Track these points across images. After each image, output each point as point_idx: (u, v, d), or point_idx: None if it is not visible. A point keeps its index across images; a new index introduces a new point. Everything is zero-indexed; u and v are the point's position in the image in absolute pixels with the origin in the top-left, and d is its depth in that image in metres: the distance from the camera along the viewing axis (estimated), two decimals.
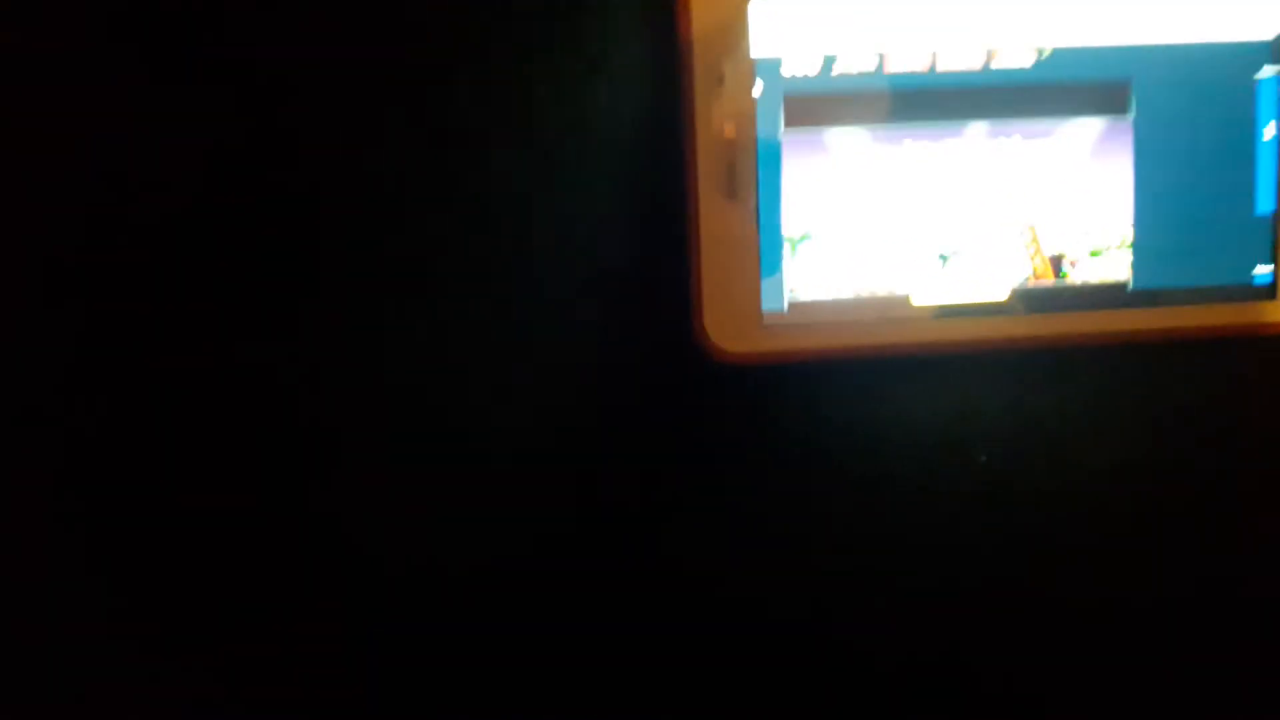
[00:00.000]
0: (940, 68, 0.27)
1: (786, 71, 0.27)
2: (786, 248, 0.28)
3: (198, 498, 0.28)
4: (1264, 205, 0.28)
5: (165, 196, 0.28)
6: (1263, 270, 0.28)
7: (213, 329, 0.28)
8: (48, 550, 0.29)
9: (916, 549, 0.29)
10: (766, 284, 0.28)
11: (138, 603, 0.29)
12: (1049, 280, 0.28)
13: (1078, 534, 0.30)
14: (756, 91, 0.27)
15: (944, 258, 0.28)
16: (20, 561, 0.29)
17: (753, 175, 0.28)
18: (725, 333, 0.28)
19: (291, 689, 0.29)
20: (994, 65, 0.27)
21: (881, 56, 0.27)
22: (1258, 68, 0.28)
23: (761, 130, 0.27)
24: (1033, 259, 0.28)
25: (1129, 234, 0.28)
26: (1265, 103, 0.28)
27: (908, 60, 0.27)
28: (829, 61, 0.27)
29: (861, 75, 0.27)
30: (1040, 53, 0.27)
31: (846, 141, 0.28)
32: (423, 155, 0.28)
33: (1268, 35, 0.28)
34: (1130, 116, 0.28)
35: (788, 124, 0.27)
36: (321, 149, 0.28)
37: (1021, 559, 0.30)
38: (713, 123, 0.27)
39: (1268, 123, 0.28)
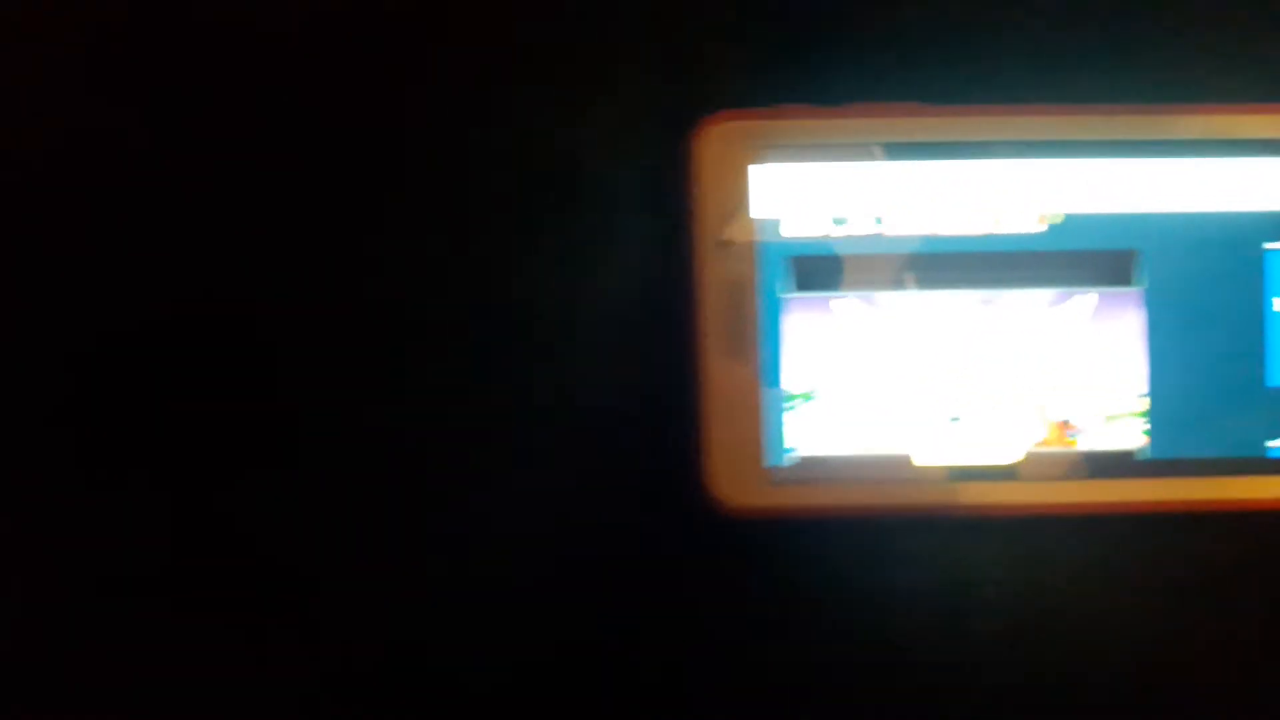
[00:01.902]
0: (946, 233, 0.28)
1: (789, 234, 0.28)
2: (792, 406, 0.28)
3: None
4: (1275, 378, 0.28)
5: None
6: (1276, 444, 0.28)
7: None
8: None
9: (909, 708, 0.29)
10: (771, 441, 0.28)
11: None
12: (1058, 446, 0.28)
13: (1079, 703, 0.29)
14: (759, 254, 0.27)
15: (952, 419, 0.28)
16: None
17: (756, 334, 0.28)
18: (729, 487, 0.28)
19: None
20: (1000, 231, 0.28)
21: (884, 220, 0.28)
22: (1269, 237, 0.28)
23: (766, 291, 0.28)
24: (1042, 425, 0.28)
25: (1140, 402, 0.28)
26: (1274, 274, 0.28)
27: (911, 224, 0.28)
28: (832, 225, 0.28)
29: (865, 238, 0.28)
30: (1047, 220, 0.28)
31: (850, 303, 0.28)
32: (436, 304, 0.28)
33: (1278, 206, 0.28)
34: (1139, 286, 0.28)
35: (791, 285, 0.28)
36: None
37: None
38: (718, 283, 0.28)
39: (1278, 294, 0.28)
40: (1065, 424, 0.28)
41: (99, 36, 0.29)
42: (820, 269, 0.28)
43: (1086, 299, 0.28)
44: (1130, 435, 0.28)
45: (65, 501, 0.29)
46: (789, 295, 0.28)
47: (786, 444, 0.28)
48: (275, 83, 0.28)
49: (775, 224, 0.28)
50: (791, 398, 0.28)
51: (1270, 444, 0.28)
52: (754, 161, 0.28)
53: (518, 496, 0.29)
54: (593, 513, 0.29)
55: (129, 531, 0.29)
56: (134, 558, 0.29)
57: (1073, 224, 0.28)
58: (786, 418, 0.28)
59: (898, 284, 0.28)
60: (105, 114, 0.29)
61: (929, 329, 0.28)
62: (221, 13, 0.28)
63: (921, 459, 0.28)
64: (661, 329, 0.28)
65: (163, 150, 0.29)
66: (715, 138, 0.28)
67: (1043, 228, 0.28)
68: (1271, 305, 0.28)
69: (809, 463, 0.28)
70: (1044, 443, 0.28)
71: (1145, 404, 0.28)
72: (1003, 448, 0.28)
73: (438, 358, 0.29)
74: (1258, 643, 0.29)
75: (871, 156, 0.28)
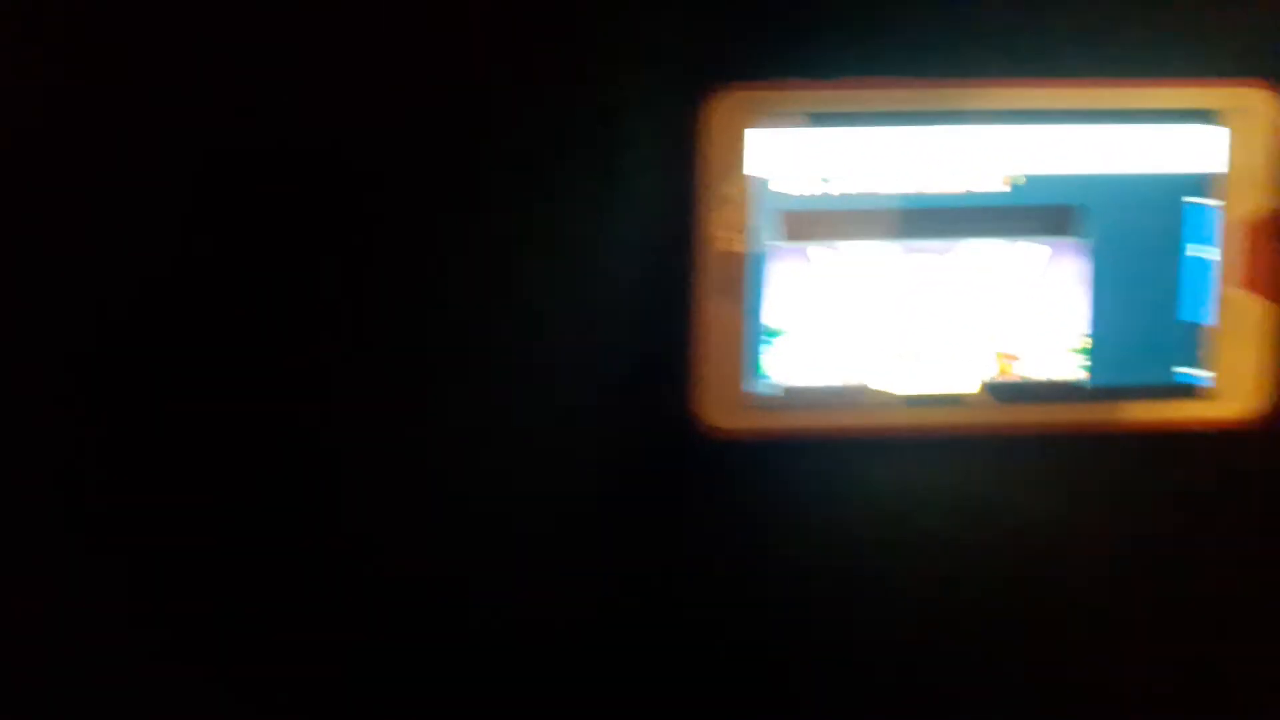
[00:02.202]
0: (916, 191, 0.32)
1: (783, 190, 0.31)
2: (776, 341, 0.32)
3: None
4: (1201, 315, 0.32)
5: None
6: (1200, 372, 0.32)
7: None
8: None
9: (875, 614, 0.33)
10: (756, 371, 0.32)
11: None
12: (1008, 376, 0.32)
13: (1018, 599, 0.33)
14: (756, 207, 0.31)
15: (915, 353, 0.32)
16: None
17: (746, 279, 0.32)
18: (717, 411, 0.32)
19: None
20: (963, 190, 0.32)
21: (864, 180, 0.32)
22: (1197, 195, 0.32)
23: (759, 241, 0.32)
24: (993, 358, 0.32)
25: (1078, 338, 0.32)
26: (1201, 227, 0.32)
27: (887, 183, 0.32)
28: (820, 184, 0.31)
29: (846, 196, 0.32)
30: (1004, 180, 0.32)
31: (833, 251, 0.32)
32: (463, 256, 0.32)
33: (1206, 168, 0.32)
34: (1080, 237, 0.32)
35: (782, 236, 0.32)
36: (358, 242, 0.32)
37: (975, 625, 0.33)
38: (716, 232, 0.31)
39: (1202, 244, 0.32)
40: (1011, 356, 0.32)
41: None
42: (804, 222, 0.32)
43: (1034, 247, 0.32)
44: (1070, 365, 0.32)
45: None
46: (779, 244, 0.32)
47: (767, 374, 0.32)
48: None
49: (771, 182, 0.31)
50: (773, 334, 0.32)
51: (1196, 371, 0.32)
52: (755, 126, 0.31)
53: (537, 416, 0.33)
54: (599, 432, 0.33)
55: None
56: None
57: (1026, 183, 0.32)
58: (769, 352, 0.32)
59: (875, 235, 0.32)
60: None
61: (900, 274, 0.32)
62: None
63: (890, 388, 0.32)
64: (666, 274, 0.32)
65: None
66: (723, 105, 0.31)
67: (1000, 186, 0.32)
68: (1200, 252, 0.32)
69: (789, 391, 0.32)
70: (998, 373, 0.32)
71: (1083, 339, 0.32)
72: (960, 377, 0.32)
73: (470, 280, 0.32)
74: (1172, 540, 0.33)
75: (855, 123, 0.31)
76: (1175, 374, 0.32)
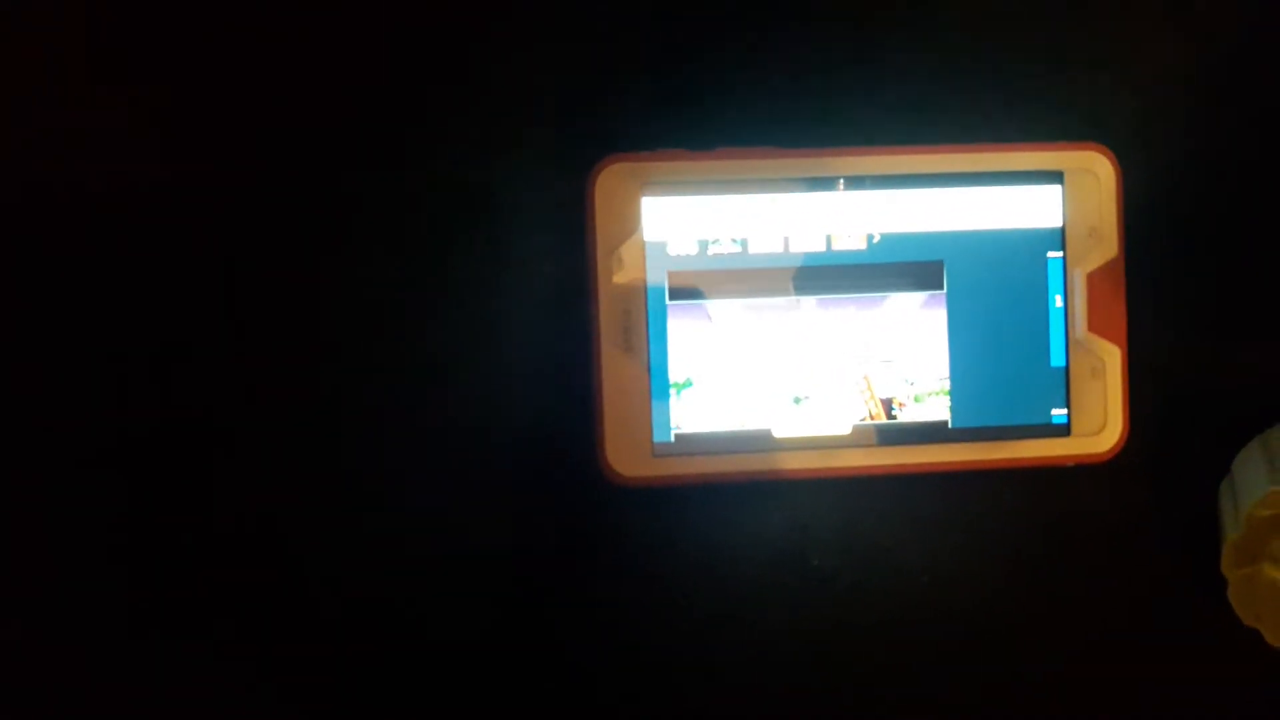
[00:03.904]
0: (793, 249, 0.34)
1: (671, 252, 0.34)
2: (672, 392, 0.34)
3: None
4: (1057, 359, 0.35)
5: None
6: (1058, 412, 0.35)
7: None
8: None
9: (761, 639, 0.36)
10: (656, 421, 0.34)
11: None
12: (882, 419, 0.35)
13: (902, 626, 0.36)
14: (647, 268, 0.34)
15: (798, 400, 0.35)
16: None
17: (644, 333, 0.34)
18: (623, 461, 0.34)
19: None
20: (835, 248, 0.34)
21: (746, 241, 0.34)
22: (1048, 249, 0.35)
23: (651, 298, 0.34)
24: (868, 402, 0.35)
25: (948, 382, 0.35)
26: (1053, 277, 0.35)
27: (766, 244, 0.34)
28: (704, 245, 0.34)
29: (730, 255, 0.34)
30: (871, 238, 0.34)
31: (719, 307, 0.34)
32: (373, 311, 0.35)
33: (1055, 224, 0.35)
34: (945, 290, 0.35)
35: (671, 295, 0.34)
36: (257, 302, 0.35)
37: (851, 647, 0.36)
38: (612, 293, 0.34)
39: (1055, 293, 0.35)
40: (888, 401, 0.35)
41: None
42: (694, 280, 0.34)
43: (904, 300, 0.35)
44: (940, 409, 0.35)
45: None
46: (670, 302, 0.34)
47: (669, 423, 0.34)
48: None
49: (660, 245, 0.34)
50: (670, 386, 0.34)
51: (1055, 411, 0.35)
52: (642, 194, 0.34)
53: (450, 472, 0.35)
54: (510, 484, 0.35)
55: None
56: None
57: (891, 241, 0.35)
58: (668, 402, 0.34)
59: (757, 292, 0.34)
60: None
61: (781, 328, 0.34)
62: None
63: (777, 432, 0.35)
64: (566, 331, 0.34)
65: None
66: (610, 175, 0.34)
67: (868, 245, 0.35)
68: (1054, 301, 0.35)
69: (686, 439, 0.34)
70: (872, 416, 0.35)
71: (951, 384, 0.35)
72: (839, 421, 0.35)
73: (386, 345, 0.35)
74: (1045, 576, 0.36)
75: (734, 190, 0.34)
76: (1048, 414, 0.35)
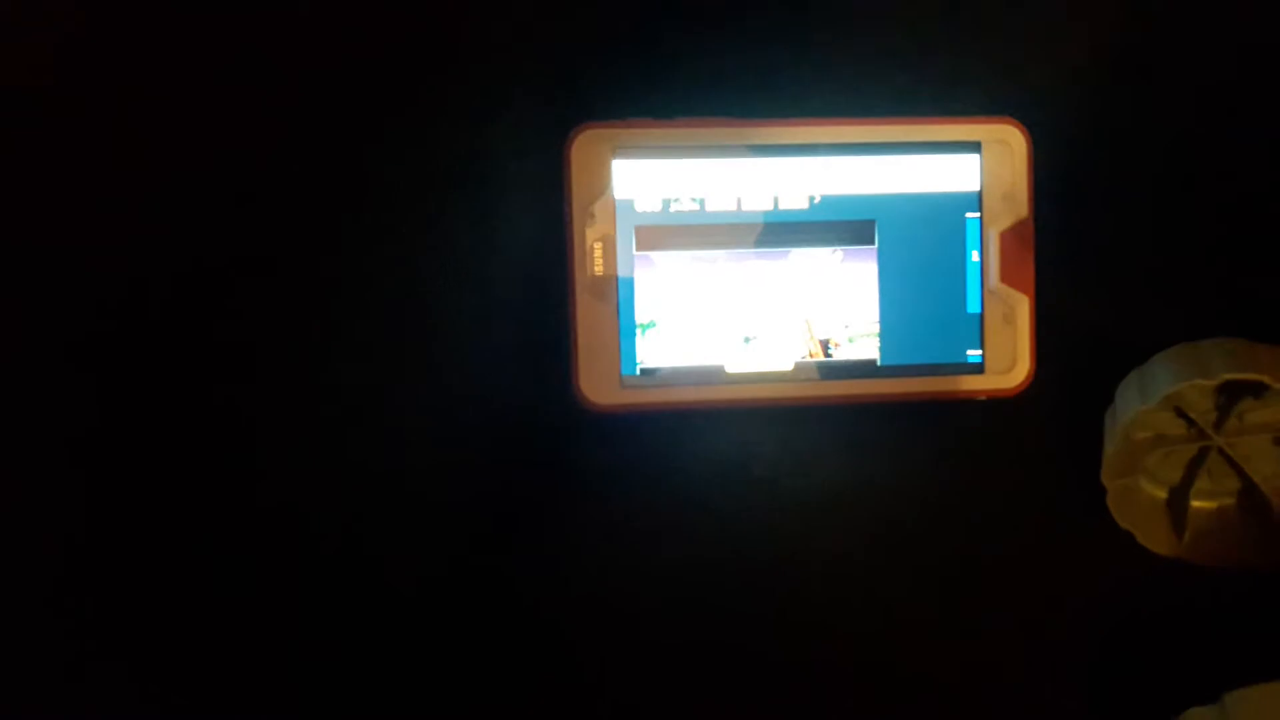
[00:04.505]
0: (745, 208, 0.39)
1: (639, 209, 0.39)
2: (638, 332, 0.39)
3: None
4: (973, 306, 0.40)
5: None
6: (974, 352, 0.40)
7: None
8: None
9: (709, 537, 0.41)
10: (624, 357, 0.39)
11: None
12: (820, 357, 0.40)
13: (830, 531, 0.41)
14: (617, 223, 0.39)
15: (747, 339, 0.40)
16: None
17: (614, 280, 0.39)
18: (594, 390, 0.39)
19: None
20: (781, 207, 0.39)
21: (704, 200, 0.39)
22: (966, 210, 0.40)
23: (621, 249, 0.39)
24: (808, 342, 0.40)
25: (877, 326, 0.40)
26: (971, 235, 0.40)
27: (722, 202, 0.39)
28: (667, 203, 0.39)
29: (690, 213, 0.39)
30: (812, 199, 0.39)
31: (679, 258, 0.39)
32: (383, 255, 0.40)
33: (973, 189, 0.40)
34: (876, 245, 0.40)
35: (638, 246, 0.39)
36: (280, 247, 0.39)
37: (784, 546, 0.41)
38: (587, 245, 0.39)
39: (972, 249, 0.40)
40: (826, 341, 0.40)
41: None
42: (658, 235, 0.39)
43: (840, 254, 0.40)
44: (870, 348, 0.40)
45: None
46: (636, 253, 0.39)
47: (635, 358, 0.39)
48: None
49: (628, 202, 0.39)
50: (636, 326, 0.39)
51: (971, 352, 0.40)
52: (613, 157, 0.39)
53: (447, 399, 0.40)
54: (495, 412, 0.40)
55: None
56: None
57: (830, 202, 0.40)
58: (634, 340, 0.39)
59: (713, 245, 0.39)
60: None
61: (733, 276, 0.39)
62: None
63: (728, 368, 0.40)
64: (547, 278, 0.39)
65: None
66: (585, 140, 0.39)
67: (809, 205, 0.40)
68: (971, 256, 0.40)
69: (650, 372, 0.40)
70: (811, 354, 0.40)
71: (881, 327, 0.40)
72: (783, 358, 0.40)
73: (377, 304, 0.40)
74: (959, 492, 0.42)
75: (694, 155, 0.39)
76: (965, 354, 0.40)
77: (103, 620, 0.39)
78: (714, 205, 0.39)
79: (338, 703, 0.40)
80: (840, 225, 0.40)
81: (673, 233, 0.39)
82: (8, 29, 0.38)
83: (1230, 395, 0.39)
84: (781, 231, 0.40)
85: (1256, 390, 0.38)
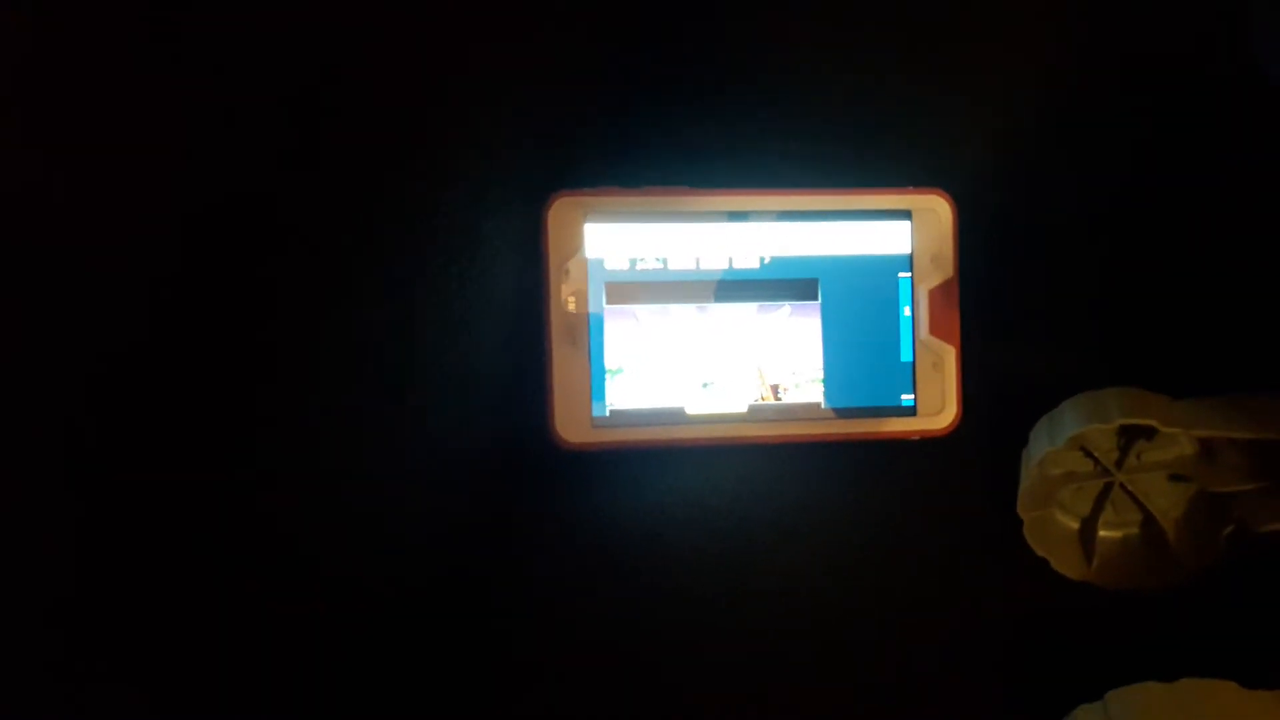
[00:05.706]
0: (703, 267, 0.44)
1: (608, 267, 0.44)
2: (608, 377, 0.44)
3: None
4: (905, 355, 0.45)
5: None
6: (907, 397, 0.45)
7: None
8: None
9: (667, 564, 0.45)
10: (595, 400, 0.44)
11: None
12: (771, 400, 0.45)
13: (776, 554, 0.46)
14: (589, 280, 0.43)
15: (705, 384, 0.44)
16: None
17: (586, 331, 0.44)
18: (568, 430, 0.44)
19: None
20: (735, 266, 0.44)
21: (666, 259, 0.44)
22: (899, 270, 0.45)
23: (592, 304, 0.44)
24: (760, 387, 0.44)
25: (821, 373, 0.45)
26: (903, 292, 0.45)
27: (682, 262, 0.44)
28: (634, 262, 0.44)
29: (654, 270, 0.44)
30: (763, 259, 0.44)
31: (645, 311, 0.44)
32: (369, 308, 0.44)
33: (905, 251, 0.45)
34: (819, 301, 0.45)
35: (608, 301, 0.44)
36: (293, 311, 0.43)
37: (738, 568, 0.45)
38: (562, 299, 0.43)
39: (905, 305, 0.45)
40: (776, 386, 0.45)
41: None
42: (626, 290, 0.44)
43: (787, 309, 0.44)
44: (816, 393, 0.45)
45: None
46: (606, 306, 0.44)
47: (605, 401, 0.44)
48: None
49: (599, 261, 0.44)
50: (606, 372, 0.44)
51: (904, 396, 0.45)
52: (585, 222, 0.43)
53: (433, 437, 0.44)
54: (477, 450, 0.44)
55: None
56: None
57: (778, 262, 0.44)
58: (604, 385, 0.44)
59: (674, 299, 0.44)
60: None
61: (692, 328, 0.44)
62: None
63: (689, 410, 0.44)
64: (526, 328, 0.44)
65: None
66: (560, 206, 0.43)
67: (760, 265, 0.44)
68: (904, 311, 0.45)
69: (618, 413, 0.44)
70: (763, 398, 0.45)
71: (825, 373, 0.45)
72: (738, 401, 0.44)
73: (372, 348, 0.44)
74: (892, 523, 0.46)
75: (657, 220, 0.44)
76: (899, 398, 0.45)
77: (103, 620, 0.42)
78: (675, 264, 0.44)
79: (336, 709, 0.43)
80: (787, 283, 0.44)
81: (639, 288, 0.44)
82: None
83: (1129, 436, 0.44)
84: (735, 288, 0.44)
85: (1149, 433, 0.43)
